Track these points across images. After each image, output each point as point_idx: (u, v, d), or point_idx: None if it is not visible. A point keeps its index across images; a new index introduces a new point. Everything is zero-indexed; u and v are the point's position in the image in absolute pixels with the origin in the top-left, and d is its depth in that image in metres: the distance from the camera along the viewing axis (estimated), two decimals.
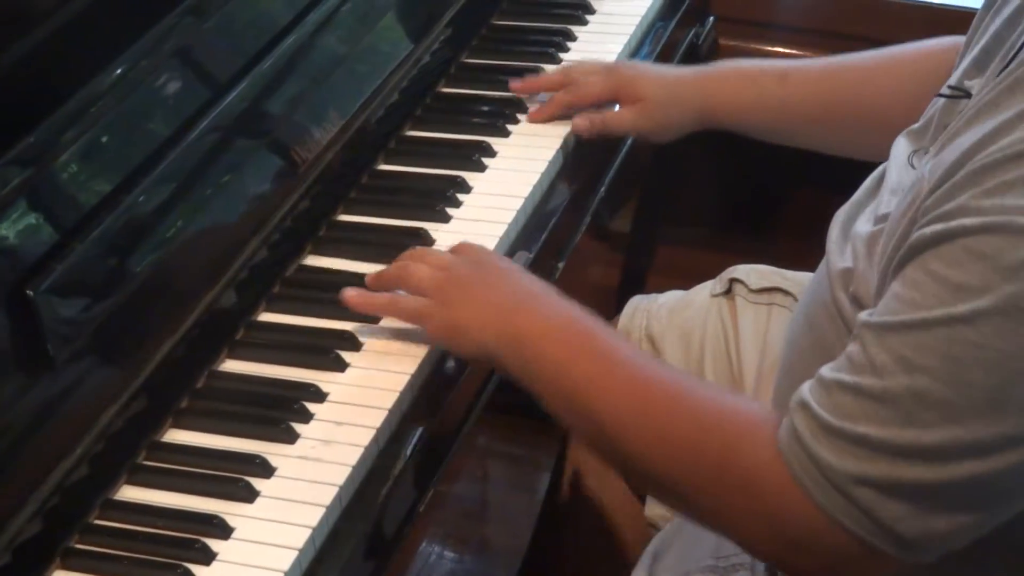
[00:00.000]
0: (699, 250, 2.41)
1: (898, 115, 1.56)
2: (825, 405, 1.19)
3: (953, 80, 1.39)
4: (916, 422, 1.14)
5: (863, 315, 1.21)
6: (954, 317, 1.12)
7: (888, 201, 1.38)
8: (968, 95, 1.32)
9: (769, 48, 2.27)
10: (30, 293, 1.27)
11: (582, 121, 1.77)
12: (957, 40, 1.66)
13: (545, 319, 1.38)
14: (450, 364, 1.47)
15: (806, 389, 1.21)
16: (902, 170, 1.40)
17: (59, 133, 1.37)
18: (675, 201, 2.44)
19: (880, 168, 1.49)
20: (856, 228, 1.40)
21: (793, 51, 2.26)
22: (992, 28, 1.36)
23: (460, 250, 1.49)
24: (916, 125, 1.44)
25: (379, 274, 1.49)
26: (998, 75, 1.23)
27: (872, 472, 1.16)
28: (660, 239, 2.49)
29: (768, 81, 1.79)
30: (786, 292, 1.76)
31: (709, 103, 1.79)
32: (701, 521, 1.34)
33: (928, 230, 1.15)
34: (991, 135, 1.14)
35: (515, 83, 1.82)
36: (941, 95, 1.39)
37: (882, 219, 1.35)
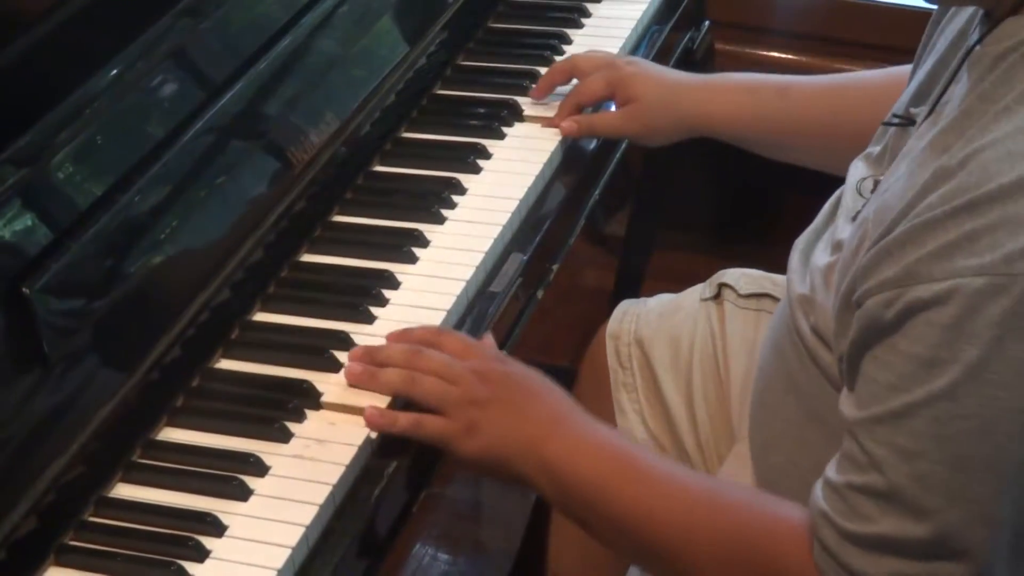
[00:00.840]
0: (694, 254, 2.41)
1: None
2: (842, 512, 1.20)
3: (899, 107, 1.40)
4: (928, 509, 1.15)
5: (846, 409, 1.21)
6: (933, 395, 1.13)
7: (843, 227, 1.39)
8: (912, 122, 1.33)
9: (764, 53, 2.27)
10: (26, 291, 1.27)
11: (569, 124, 1.76)
12: None
13: (576, 445, 1.37)
14: None
15: (820, 497, 1.22)
16: (853, 196, 1.40)
17: (55, 133, 1.37)
18: (670, 205, 2.45)
19: (836, 193, 1.50)
20: (814, 258, 1.41)
21: (788, 56, 2.27)
22: (936, 50, 1.36)
23: (456, 351, 1.41)
24: (874, 150, 1.45)
25: (379, 379, 1.40)
26: (932, 110, 1.24)
27: (905, 570, 1.17)
28: (655, 243, 2.49)
29: (768, 93, 1.78)
30: (774, 298, 1.76)
31: (704, 111, 1.77)
32: None
33: (886, 313, 1.15)
34: (931, 181, 1.14)
35: (533, 93, 1.82)
36: (887, 123, 1.39)
37: (837, 247, 1.36)
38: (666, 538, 1.31)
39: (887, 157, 1.39)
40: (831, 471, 1.22)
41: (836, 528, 1.20)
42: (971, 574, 1.17)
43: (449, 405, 1.37)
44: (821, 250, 1.42)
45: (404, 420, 1.37)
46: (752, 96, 1.77)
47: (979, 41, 1.20)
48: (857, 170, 1.44)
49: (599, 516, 1.35)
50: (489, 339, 1.48)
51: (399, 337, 1.43)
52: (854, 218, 1.35)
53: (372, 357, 1.41)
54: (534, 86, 1.83)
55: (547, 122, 1.79)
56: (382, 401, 1.40)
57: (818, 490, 1.23)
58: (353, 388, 1.41)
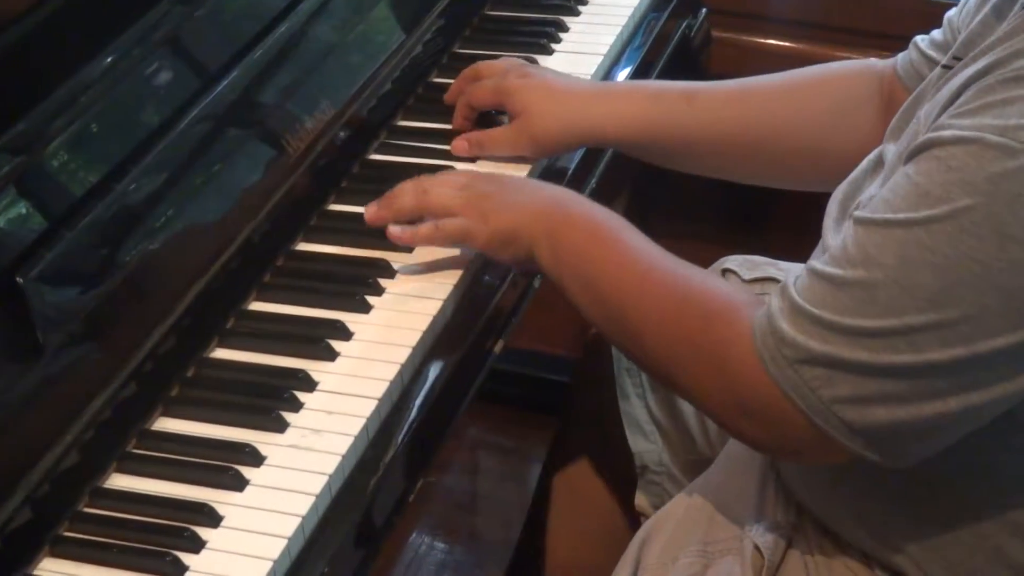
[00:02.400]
0: (692, 243, 2.40)
1: (810, 139, 1.59)
2: (799, 288, 1.29)
3: (946, 59, 1.41)
4: (863, 311, 1.24)
5: (855, 210, 1.30)
6: (912, 220, 1.21)
7: (885, 179, 1.39)
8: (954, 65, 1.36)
9: (762, 40, 2.27)
10: (20, 280, 1.27)
11: (459, 143, 1.71)
12: (867, 63, 1.70)
13: (578, 218, 1.47)
14: (441, 353, 1.47)
15: (792, 275, 1.31)
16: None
17: (49, 121, 1.37)
18: (667, 193, 2.44)
19: (876, 151, 1.49)
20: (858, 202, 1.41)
21: (786, 43, 2.26)
22: (977, 18, 1.40)
23: (460, 173, 1.57)
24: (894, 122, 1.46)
25: (393, 206, 1.52)
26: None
27: (820, 349, 1.25)
28: (652, 231, 2.49)
29: (673, 99, 1.71)
30: (777, 281, 1.76)
31: (605, 121, 1.70)
32: (678, 391, 1.45)
33: (915, 142, 1.24)
34: (985, 68, 1.22)
35: (459, 114, 1.76)
36: (945, 66, 1.41)
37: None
38: (624, 298, 1.41)
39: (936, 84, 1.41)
40: (813, 258, 1.32)
41: (788, 297, 1.28)
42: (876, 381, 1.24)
43: (460, 204, 1.50)
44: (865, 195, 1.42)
45: (424, 228, 1.51)
46: (654, 103, 1.71)
47: None
48: (897, 123, 1.46)
49: (579, 279, 1.45)
50: None
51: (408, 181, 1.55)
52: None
53: (387, 204, 1.53)
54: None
55: (454, 122, 1.75)
56: (381, 385, 1.39)
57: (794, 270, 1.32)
58: (350, 377, 1.41)
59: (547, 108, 1.69)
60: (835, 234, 1.41)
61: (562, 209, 1.48)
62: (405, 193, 1.52)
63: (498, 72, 1.74)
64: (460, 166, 1.69)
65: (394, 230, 1.51)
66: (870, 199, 1.37)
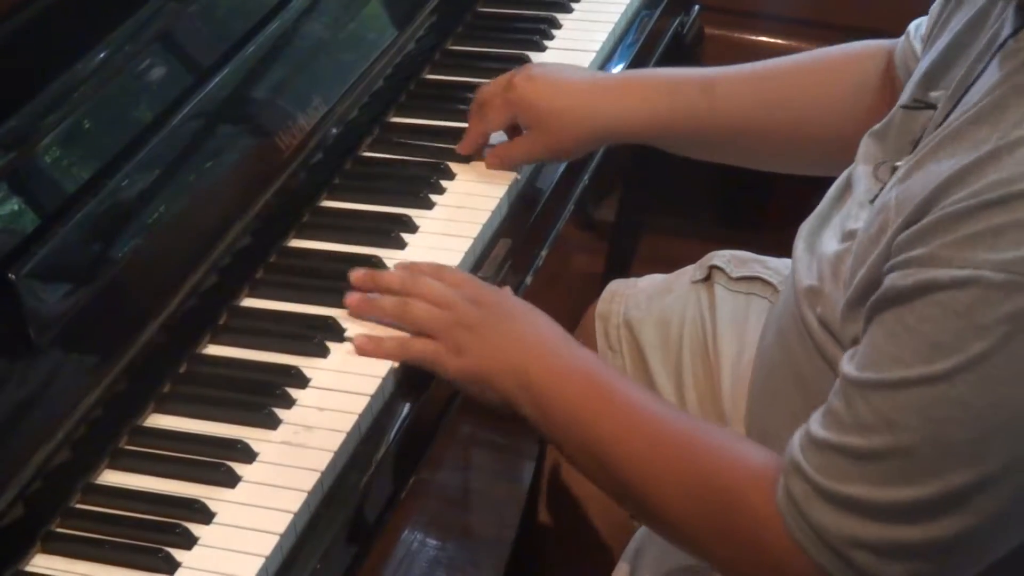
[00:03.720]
0: (684, 238, 2.41)
1: (830, 123, 1.56)
2: (816, 466, 1.20)
3: (913, 90, 1.38)
4: (901, 481, 1.16)
5: (846, 366, 1.21)
6: (931, 376, 1.14)
7: (856, 215, 1.37)
8: (931, 107, 1.32)
9: (754, 37, 2.27)
10: (11, 277, 1.26)
11: (492, 160, 1.68)
12: (882, 44, 1.65)
13: (559, 370, 1.39)
14: None
15: (797, 447, 1.23)
16: (869, 181, 1.39)
17: (41, 117, 1.37)
18: (660, 189, 2.44)
19: (844, 176, 1.48)
20: (822, 245, 1.40)
21: (779, 40, 2.26)
22: (950, 28, 1.35)
23: (454, 282, 1.46)
24: (878, 127, 1.44)
25: (375, 305, 1.46)
26: (959, 98, 1.23)
27: (866, 535, 1.18)
28: (645, 227, 2.49)
29: (690, 90, 1.67)
30: (765, 281, 1.76)
31: (620, 117, 1.66)
32: (714, 567, 1.35)
33: (903, 281, 1.16)
34: (960, 174, 1.15)
35: (462, 148, 1.71)
36: (904, 106, 1.38)
37: (849, 236, 1.35)
38: (633, 470, 1.33)
39: (898, 139, 1.38)
40: (815, 424, 1.22)
41: (807, 480, 1.20)
42: (932, 557, 1.18)
43: (438, 327, 1.42)
44: (829, 237, 1.40)
45: (390, 343, 1.42)
46: (673, 95, 1.67)
47: (1013, 35, 1.19)
48: (864, 150, 1.43)
49: (574, 442, 1.37)
50: (507, 290, 1.51)
51: (403, 267, 1.48)
52: (872, 201, 1.34)
53: (372, 279, 1.47)
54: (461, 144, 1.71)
55: (462, 149, 1.70)
56: (374, 382, 1.40)
57: (796, 440, 1.23)
58: (342, 374, 1.41)
59: (562, 114, 1.65)
60: (806, 274, 1.38)
61: (544, 355, 1.39)
62: (390, 288, 1.46)
63: (499, 89, 1.68)
64: (463, 165, 1.69)
65: (360, 341, 1.43)
66: (836, 258, 1.33)
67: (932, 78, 1.35)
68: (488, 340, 1.41)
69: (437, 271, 1.47)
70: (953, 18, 1.36)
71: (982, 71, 1.23)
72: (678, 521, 1.32)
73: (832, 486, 1.19)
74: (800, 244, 1.43)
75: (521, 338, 1.42)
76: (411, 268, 1.48)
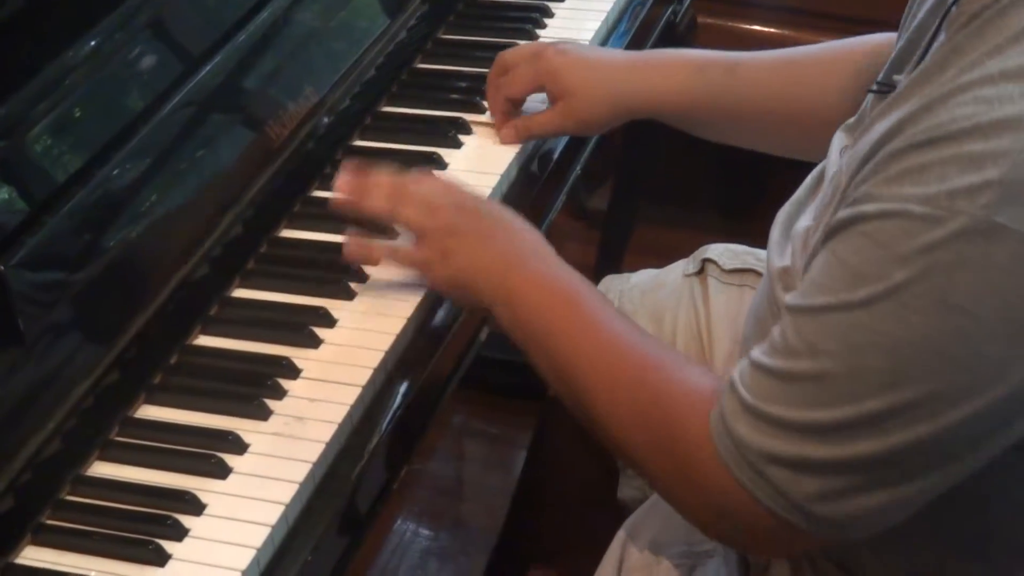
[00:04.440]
0: (676, 230, 2.41)
1: (844, 112, 1.56)
2: (748, 386, 1.24)
3: (881, 76, 1.40)
4: (817, 403, 1.19)
5: (786, 297, 1.26)
6: (851, 303, 1.17)
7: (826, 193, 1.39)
8: (894, 89, 1.33)
9: (747, 26, 2.27)
10: (1, 267, 1.26)
11: (507, 131, 1.71)
12: (893, 36, 1.66)
13: (535, 279, 1.42)
14: (424, 342, 1.47)
15: (737, 369, 1.27)
16: (836, 163, 1.41)
17: (31, 106, 1.36)
18: (652, 180, 2.44)
19: (820, 166, 1.50)
20: (796, 227, 1.41)
21: (771, 29, 2.26)
22: (917, 19, 1.37)
23: (440, 187, 1.50)
24: (851, 120, 1.45)
25: (364, 203, 1.48)
26: (913, 69, 1.25)
27: (781, 451, 1.21)
28: (637, 217, 2.49)
29: (716, 71, 1.70)
30: (758, 273, 1.76)
31: (649, 93, 1.70)
32: (651, 485, 1.40)
33: (838, 217, 1.20)
34: (897, 125, 1.18)
35: (497, 113, 1.74)
36: (871, 90, 1.40)
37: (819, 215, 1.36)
38: (588, 382, 1.37)
39: (865, 123, 1.38)
40: (755, 350, 1.26)
41: (737, 397, 1.24)
42: (844, 476, 1.21)
43: (427, 233, 1.45)
44: (805, 218, 1.42)
45: (380, 248, 1.47)
46: (699, 75, 1.70)
47: (956, 2, 1.21)
48: (839, 140, 1.44)
49: (539, 349, 1.40)
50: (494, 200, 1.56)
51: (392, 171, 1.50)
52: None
53: (362, 177, 1.48)
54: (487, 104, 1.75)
55: (496, 122, 1.73)
56: (365, 372, 1.39)
57: (739, 363, 1.28)
58: (334, 364, 1.41)
59: (593, 88, 1.69)
60: (779, 256, 1.41)
61: (524, 266, 1.42)
62: (379, 191, 1.48)
63: (528, 57, 1.72)
64: (454, 154, 1.68)
65: (350, 247, 1.48)
66: (805, 232, 1.36)
67: (899, 62, 1.36)
68: (473, 248, 1.44)
69: (423, 178, 1.51)
70: (921, 8, 1.38)
71: (931, 41, 1.24)
72: (622, 434, 1.35)
73: (757, 404, 1.23)
74: (776, 230, 1.46)
75: (505, 246, 1.45)
76: (396, 178, 1.50)
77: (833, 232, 1.20)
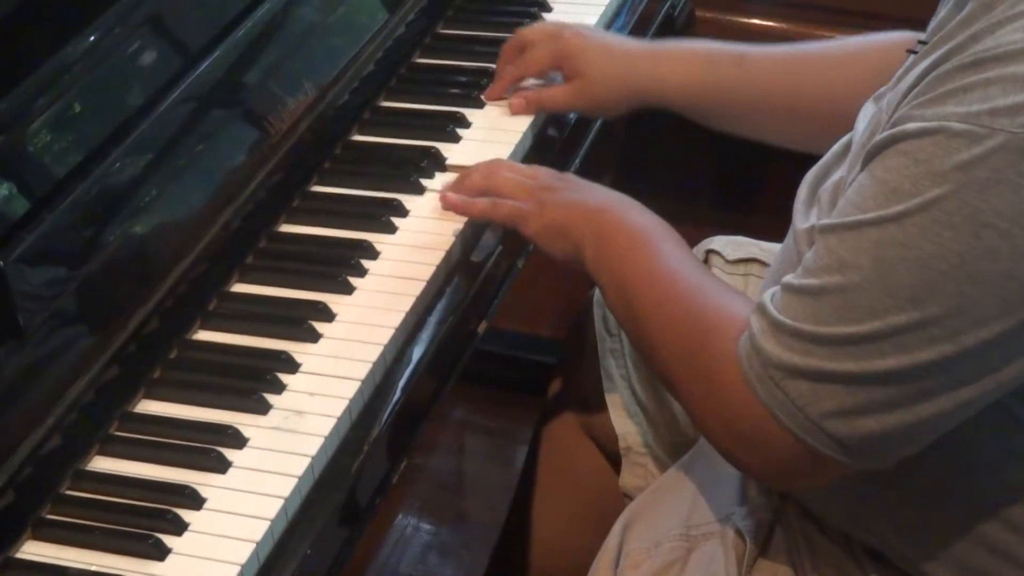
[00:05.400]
0: (677, 223, 2.40)
1: (852, 106, 1.56)
2: (777, 304, 1.27)
3: (926, 35, 1.40)
4: (844, 317, 1.21)
5: (819, 221, 1.28)
6: (884, 218, 1.19)
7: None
8: None
9: (745, 20, 2.27)
10: (0, 262, 1.26)
11: (517, 101, 1.76)
12: (905, 35, 1.66)
13: (625, 222, 1.48)
14: (424, 334, 1.47)
15: (768, 292, 1.29)
16: (869, 115, 1.41)
17: (30, 101, 1.36)
18: (653, 173, 2.44)
19: (847, 136, 1.49)
20: (825, 184, 1.41)
21: (770, 23, 2.26)
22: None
23: (534, 167, 1.59)
24: (883, 88, 1.45)
25: (461, 182, 1.57)
26: (957, 10, 1.27)
27: (804, 364, 1.23)
28: None
29: (724, 62, 1.74)
30: (762, 263, 1.76)
31: (659, 81, 1.74)
32: (678, 400, 1.43)
33: (879, 139, 1.22)
34: (945, 54, 1.20)
35: (492, 91, 1.79)
36: (912, 51, 1.40)
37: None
38: (644, 311, 1.41)
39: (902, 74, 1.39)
40: (787, 276, 1.28)
41: (767, 316, 1.26)
42: (862, 393, 1.22)
43: (525, 189, 1.53)
44: (833, 176, 1.42)
45: (482, 202, 1.54)
46: (708, 65, 1.74)
47: None
48: (867, 110, 1.44)
49: (613, 282, 1.46)
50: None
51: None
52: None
53: (459, 185, 1.58)
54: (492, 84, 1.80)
55: (487, 95, 1.78)
56: (364, 366, 1.39)
57: (770, 288, 1.30)
58: (333, 359, 1.41)
59: (608, 70, 1.74)
60: (804, 218, 1.41)
61: (615, 213, 1.49)
62: (476, 171, 1.57)
63: (547, 37, 1.77)
64: (452, 148, 1.69)
65: (450, 196, 1.56)
66: (834, 185, 1.36)
67: (940, 26, 1.37)
68: (566, 199, 1.52)
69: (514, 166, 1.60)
70: None
71: None
72: (663, 352, 1.39)
73: (785, 320, 1.25)
74: (803, 191, 1.47)
75: (596, 197, 1.53)
76: (491, 161, 1.60)
77: (872, 154, 1.22)
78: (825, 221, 1.25)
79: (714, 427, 1.35)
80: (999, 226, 1.15)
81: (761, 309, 1.28)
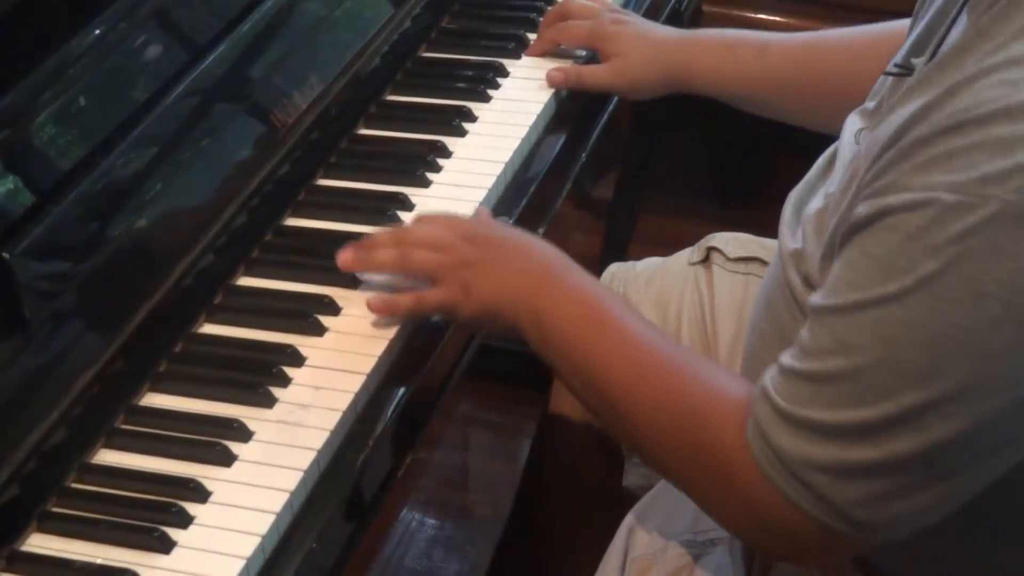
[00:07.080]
0: (681, 218, 2.40)
1: (865, 91, 1.56)
2: (781, 392, 1.22)
3: (899, 57, 1.40)
4: (855, 402, 1.17)
5: (812, 297, 1.23)
6: (885, 297, 1.15)
7: (837, 177, 1.38)
8: (912, 71, 1.33)
9: (751, 14, 2.27)
10: (6, 255, 1.26)
11: (557, 74, 1.80)
12: None
13: (562, 295, 1.41)
14: (428, 329, 1.47)
15: (768, 376, 1.25)
16: (850, 146, 1.41)
17: (36, 94, 1.36)
18: (657, 169, 2.44)
19: (832, 147, 1.50)
20: (808, 209, 1.41)
21: (776, 17, 2.26)
22: (936, 3, 1.36)
23: (445, 225, 1.47)
24: (867, 104, 1.45)
25: (372, 261, 1.47)
26: (932, 55, 1.25)
27: (821, 456, 1.19)
28: (642, 207, 2.49)
29: (747, 51, 1.79)
30: (763, 262, 1.76)
31: (688, 68, 1.80)
32: (688, 496, 1.36)
33: (862, 209, 1.18)
34: (921, 111, 1.16)
35: (533, 47, 1.87)
36: (888, 73, 1.39)
37: (831, 196, 1.36)
38: (618, 393, 1.35)
39: (883, 108, 1.38)
40: (785, 355, 1.24)
41: (772, 404, 1.22)
42: (885, 478, 1.19)
43: (443, 272, 1.43)
44: (816, 201, 1.42)
45: (406, 300, 1.44)
46: (731, 53, 1.80)
47: None
48: (852, 123, 1.44)
49: (571, 364, 1.39)
50: (484, 211, 1.56)
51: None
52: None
53: (362, 245, 1.47)
54: (533, 39, 1.87)
55: (527, 52, 1.85)
56: (370, 360, 1.39)
57: (769, 370, 1.26)
58: (338, 352, 1.41)
59: (645, 54, 1.80)
60: (790, 239, 1.40)
61: (547, 284, 1.41)
62: (384, 247, 1.47)
63: (591, 14, 1.85)
64: (458, 142, 1.68)
65: (376, 302, 1.44)
66: (817, 214, 1.35)
67: (918, 45, 1.36)
68: (491, 275, 1.43)
69: (424, 219, 1.50)
70: None
71: (951, 25, 1.24)
72: (655, 446, 1.35)
73: (792, 409, 1.21)
74: (788, 210, 1.46)
75: (523, 265, 1.44)
76: (395, 231, 1.50)
77: (859, 227, 1.18)
78: (821, 302, 1.21)
79: (740, 524, 1.31)
80: (1000, 295, 1.11)
81: (764, 394, 1.24)
